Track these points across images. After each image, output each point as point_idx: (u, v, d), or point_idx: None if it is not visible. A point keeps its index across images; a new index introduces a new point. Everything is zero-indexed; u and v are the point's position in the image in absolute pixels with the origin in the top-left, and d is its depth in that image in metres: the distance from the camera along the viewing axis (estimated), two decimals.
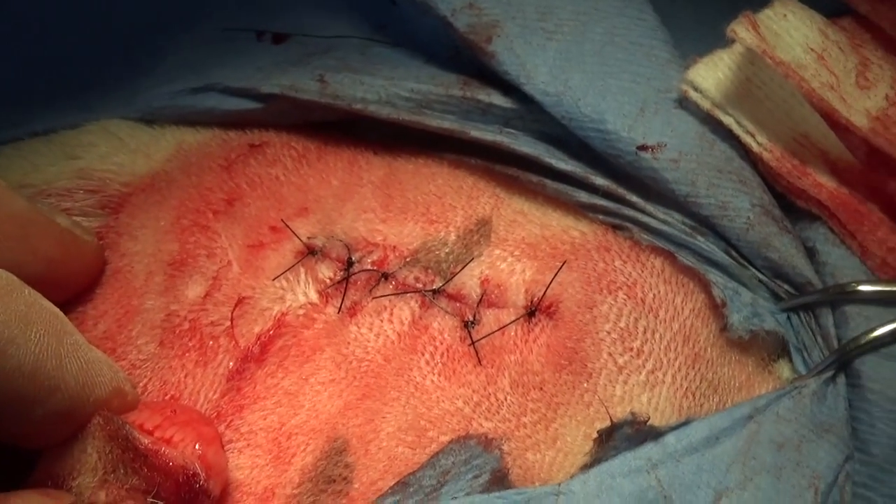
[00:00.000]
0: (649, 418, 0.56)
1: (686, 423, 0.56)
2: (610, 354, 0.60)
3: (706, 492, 0.54)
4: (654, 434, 0.56)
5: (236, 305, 0.66)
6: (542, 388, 0.60)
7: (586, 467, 0.56)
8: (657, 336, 0.61)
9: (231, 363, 0.64)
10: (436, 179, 0.69)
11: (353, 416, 0.61)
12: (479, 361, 0.61)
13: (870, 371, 0.57)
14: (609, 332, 0.61)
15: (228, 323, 0.65)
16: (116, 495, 0.53)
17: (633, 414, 0.56)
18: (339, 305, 0.65)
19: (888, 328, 0.57)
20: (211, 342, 0.65)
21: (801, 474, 0.55)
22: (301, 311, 0.65)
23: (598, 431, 0.57)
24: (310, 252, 0.67)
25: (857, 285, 0.59)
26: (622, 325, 0.61)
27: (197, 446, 0.56)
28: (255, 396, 0.63)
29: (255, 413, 0.62)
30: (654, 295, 0.62)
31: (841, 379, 0.59)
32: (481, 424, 0.59)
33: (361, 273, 0.66)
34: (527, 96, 0.65)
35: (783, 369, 0.63)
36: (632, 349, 0.61)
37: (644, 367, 0.60)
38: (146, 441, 0.54)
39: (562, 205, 0.67)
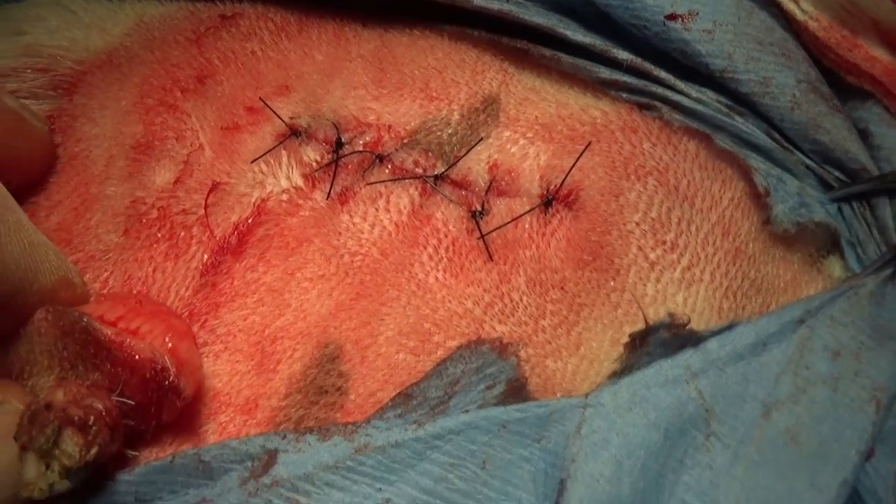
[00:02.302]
0: (689, 321, 0.49)
1: (729, 327, 0.49)
2: (640, 249, 0.53)
3: (753, 404, 0.47)
4: (694, 339, 0.49)
5: (210, 192, 0.57)
6: (562, 288, 0.52)
7: (615, 376, 0.50)
8: (693, 228, 0.54)
9: (205, 256, 0.55)
10: (435, 52, 0.60)
11: (346, 319, 0.53)
12: (490, 257, 0.53)
13: None
14: (638, 224, 0.53)
15: (202, 211, 0.56)
16: (76, 393, 0.44)
17: (671, 315, 0.49)
18: (327, 191, 0.56)
19: None
20: (182, 232, 0.56)
21: (861, 385, 0.48)
22: (284, 197, 0.56)
23: (629, 335, 0.50)
24: (293, 133, 0.58)
25: None
26: (653, 215, 0.54)
27: (167, 339, 0.48)
28: (234, 293, 0.54)
29: (234, 312, 0.54)
30: (688, 182, 0.55)
31: None
32: (494, 328, 0.52)
33: (353, 155, 0.57)
34: None
35: (834, 267, 0.56)
36: (664, 242, 0.53)
37: (679, 263, 0.53)
38: (108, 332, 0.46)
39: (579, 81, 0.58)
